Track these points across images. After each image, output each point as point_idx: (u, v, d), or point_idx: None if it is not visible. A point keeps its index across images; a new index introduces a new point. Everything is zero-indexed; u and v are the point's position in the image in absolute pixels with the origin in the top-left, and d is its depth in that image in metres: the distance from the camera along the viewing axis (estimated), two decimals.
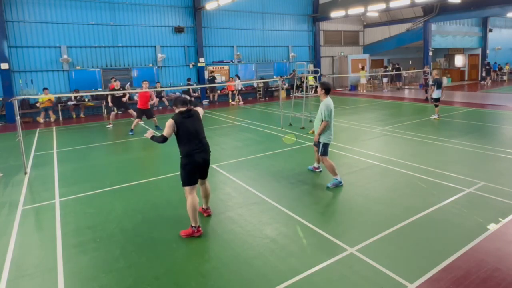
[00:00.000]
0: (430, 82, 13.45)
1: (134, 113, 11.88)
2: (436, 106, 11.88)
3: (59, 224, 4.89)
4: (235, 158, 7.97)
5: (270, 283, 3.42)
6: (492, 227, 4.36)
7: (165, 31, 18.11)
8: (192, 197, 4.36)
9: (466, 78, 28.27)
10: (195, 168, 4.42)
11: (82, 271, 3.78)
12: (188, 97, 4.62)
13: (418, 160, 7.15)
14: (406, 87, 24.81)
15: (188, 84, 18.22)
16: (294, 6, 22.66)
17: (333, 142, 9.01)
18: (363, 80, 22.49)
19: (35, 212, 5.44)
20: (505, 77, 27.66)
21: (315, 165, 6.76)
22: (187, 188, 4.41)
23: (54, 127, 13.21)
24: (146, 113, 11.25)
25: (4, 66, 14.10)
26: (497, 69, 27.14)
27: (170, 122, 4.29)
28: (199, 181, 4.64)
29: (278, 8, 21.86)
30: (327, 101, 5.76)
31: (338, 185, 5.89)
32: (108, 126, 12.74)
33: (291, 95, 14.64)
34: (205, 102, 18.91)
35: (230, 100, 19.03)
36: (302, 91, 13.34)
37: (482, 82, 25.25)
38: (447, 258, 3.70)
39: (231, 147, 9.04)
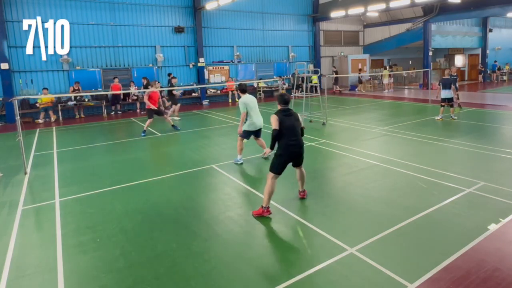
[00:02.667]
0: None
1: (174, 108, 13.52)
2: (451, 106, 11.42)
3: (59, 224, 4.89)
4: (235, 158, 7.96)
5: (270, 283, 3.42)
6: (492, 227, 4.35)
7: (165, 31, 18.10)
8: (272, 182, 4.85)
9: (466, 78, 28.28)
10: (288, 160, 4.95)
11: (82, 271, 3.78)
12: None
13: (418, 160, 7.14)
14: (406, 87, 24.82)
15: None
16: (294, 6, 22.65)
17: (333, 142, 9.05)
18: (386, 80, 22.29)
19: (35, 212, 5.44)
20: (505, 77, 27.66)
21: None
22: (272, 175, 4.87)
23: (54, 127, 13.20)
24: (157, 112, 11.22)
25: (4, 66, 14.09)
26: (496, 69, 27.16)
27: (274, 118, 4.90)
28: (296, 167, 5.24)
29: (278, 8, 21.84)
30: (243, 98, 7.18)
31: (237, 163, 7.29)
32: (177, 119, 13.23)
33: (291, 95, 14.63)
34: (205, 102, 18.90)
35: (230, 100, 19.05)
36: (302, 91, 13.34)
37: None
38: (447, 258, 3.70)
39: (231, 147, 9.03)
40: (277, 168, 4.89)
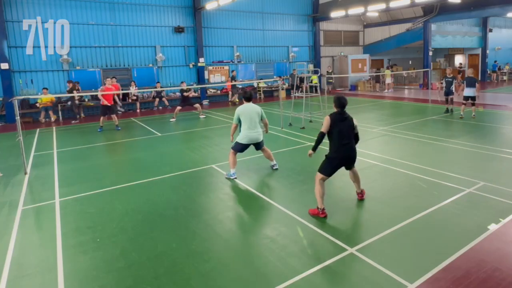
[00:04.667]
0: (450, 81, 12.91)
1: (199, 107, 14.04)
2: (473, 104, 11.62)
3: (59, 224, 4.89)
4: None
5: (270, 283, 3.42)
6: (492, 227, 4.35)
7: (165, 31, 18.11)
8: (320, 184, 4.82)
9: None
10: (340, 163, 4.91)
11: (82, 271, 3.78)
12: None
13: (418, 160, 7.14)
14: (406, 87, 24.82)
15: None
16: (294, 6, 22.65)
17: None
18: (388, 80, 22.33)
19: (35, 212, 5.44)
20: (505, 77, 27.66)
21: (271, 163, 7.10)
22: (320, 176, 4.83)
23: (54, 127, 13.21)
24: (109, 109, 11.90)
25: (4, 66, 14.10)
26: (496, 69, 27.17)
27: (326, 120, 4.79)
28: (349, 169, 5.17)
29: (278, 8, 21.85)
30: (240, 107, 6.58)
31: (230, 177, 6.50)
32: (171, 120, 13.67)
33: (291, 95, 14.65)
34: (205, 102, 18.90)
35: (230, 100, 19.09)
36: (302, 91, 13.34)
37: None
38: (447, 258, 3.70)
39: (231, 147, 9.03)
40: (327, 170, 4.83)
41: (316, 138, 4.84)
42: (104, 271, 3.75)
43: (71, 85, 14.72)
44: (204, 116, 14.12)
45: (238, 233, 4.52)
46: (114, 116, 12.07)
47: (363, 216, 4.85)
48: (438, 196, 5.33)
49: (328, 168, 4.84)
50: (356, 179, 5.27)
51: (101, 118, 11.97)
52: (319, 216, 4.76)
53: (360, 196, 5.33)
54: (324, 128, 4.78)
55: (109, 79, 12.48)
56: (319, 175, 4.85)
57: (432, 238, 4.16)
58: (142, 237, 4.43)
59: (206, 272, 3.66)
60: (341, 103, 4.84)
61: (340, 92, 22.53)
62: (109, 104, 11.79)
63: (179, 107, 13.80)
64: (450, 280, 3.37)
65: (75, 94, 14.17)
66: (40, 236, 4.66)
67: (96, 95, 15.87)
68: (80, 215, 5.18)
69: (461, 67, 26.24)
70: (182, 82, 14.60)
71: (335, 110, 4.90)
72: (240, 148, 6.62)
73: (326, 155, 4.93)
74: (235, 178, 6.51)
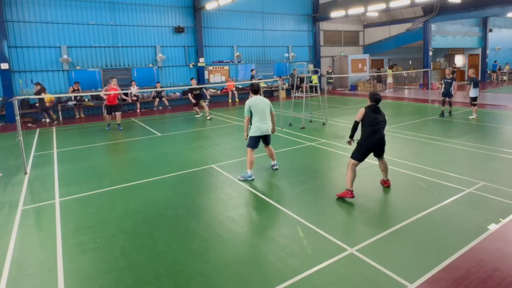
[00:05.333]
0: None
1: (206, 106, 13.99)
2: (474, 105, 11.59)
3: (59, 224, 4.89)
4: (235, 158, 7.97)
5: (270, 283, 3.42)
6: (492, 227, 4.36)
7: (165, 31, 18.11)
8: (352, 169, 5.35)
9: (466, 78, 28.24)
10: (369, 150, 5.42)
11: (82, 271, 3.78)
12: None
13: (418, 160, 7.15)
14: (406, 87, 24.82)
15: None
16: (294, 6, 22.65)
17: (333, 142, 9.05)
18: (390, 80, 22.44)
19: (35, 212, 5.44)
20: (505, 77, 27.66)
21: (271, 162, 7.09)
22: (353, 161, 5.38)
23: (54, 127, 13.20)
24: (114, 108, 12.10)
25: (4, 66, 14.09)
26: (496, 69, 27.19)
27: (362, 111, 5.39)
28: (379, 158, 5.71)
29: (278, 8, 21.85)
30: (249, 100, 6.53)
31: (247, 179, 6.40)
32: (196, 116, 14.29)
33: (291, 95, 14.64)
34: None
35: (230, 100, 19.08)
36: (302, 91, 13.34)
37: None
38: (447, 258, 3.70)
39: (231, 147, 9.04)
40: (358, 156, 5.38)
41: (353, 127, 5.47)
42: (104, 271, 3.75)
43: (38, 87, 13.79)
44: (209, 117, 13.98)
45: (238, 233, 4.51)
46: (118, 114, 12.21)
47: (363, 216, 4.84)
48: (438, 196, 5.33)
49: (359, 154, 5.38)
50: (384, 168, 5.76)
51: (108, 117, 12.23)
52: (347, 196, 5.27)
53: (387, 184, 5.81)
54: (358, 117, 5.37)
55: (114, 79, 12.49)
56: (351, 161, 5.39)
57: (432, 238, 4.16)
58: (142, 237, 4.43)
59: (206, 272, 3.66)
60: (375, 98, 5.45)
61: (340, 91, 22.55)
62: (114, 104, 11.97)
63: (193, 106, 14.22)
64: (450, 280, 3.37)
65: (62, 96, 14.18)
66: (40, 236, 4.66)
67: (96, 95, 15.96)
68: (80, 215, 5.18)
69: (455, 68, 26.21)
70: (192, 79, 14.67)
71: (369, 103, 5.47)
72: (254, 142, 6.45)
73: (357, 142, 5.47)
74: (253, 179, 6.38)
